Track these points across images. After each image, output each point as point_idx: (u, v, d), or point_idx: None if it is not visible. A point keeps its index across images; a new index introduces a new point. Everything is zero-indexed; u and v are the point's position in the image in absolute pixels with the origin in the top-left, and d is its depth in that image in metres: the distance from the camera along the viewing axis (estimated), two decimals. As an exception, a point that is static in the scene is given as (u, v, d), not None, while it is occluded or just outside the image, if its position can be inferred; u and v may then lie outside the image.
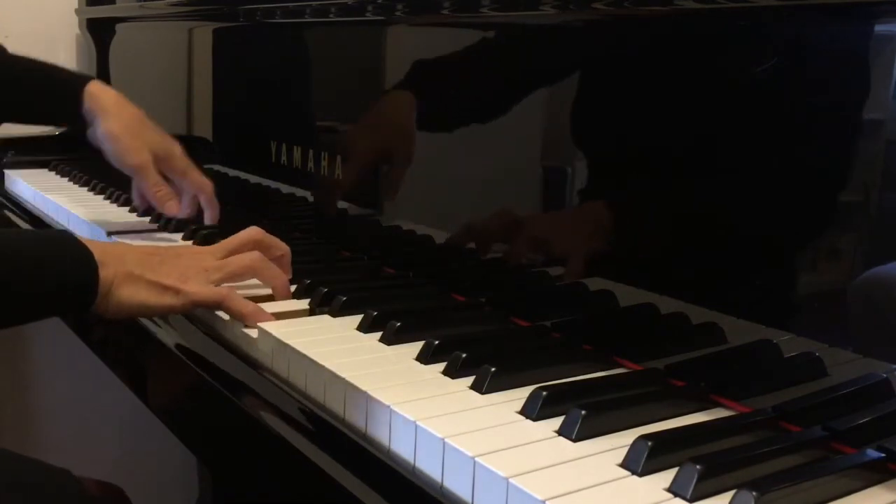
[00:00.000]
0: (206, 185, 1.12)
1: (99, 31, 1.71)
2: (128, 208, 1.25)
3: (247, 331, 0.77)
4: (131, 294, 0.77)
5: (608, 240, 0.76)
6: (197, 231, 1.08)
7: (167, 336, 0.84)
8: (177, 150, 1.12)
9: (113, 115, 1.10)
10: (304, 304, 0.84)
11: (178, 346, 0.81)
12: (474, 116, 0.88)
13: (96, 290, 0.76)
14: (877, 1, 0.58)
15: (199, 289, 0.79)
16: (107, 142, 1.09)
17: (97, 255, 0.76)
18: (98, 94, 1.11)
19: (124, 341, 0.97)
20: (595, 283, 0.76)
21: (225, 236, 0.88)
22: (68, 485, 0.79)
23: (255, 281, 0.85)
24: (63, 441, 1.75)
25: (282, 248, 0.87)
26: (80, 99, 1.10)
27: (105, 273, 0.76)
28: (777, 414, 0.60)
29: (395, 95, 0.98)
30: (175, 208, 1.10)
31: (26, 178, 1.48)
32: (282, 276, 0.85)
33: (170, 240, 1.08)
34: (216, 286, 0.80)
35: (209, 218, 1.11)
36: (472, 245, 0.88)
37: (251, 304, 0.79)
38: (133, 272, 0.78)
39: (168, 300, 0.79)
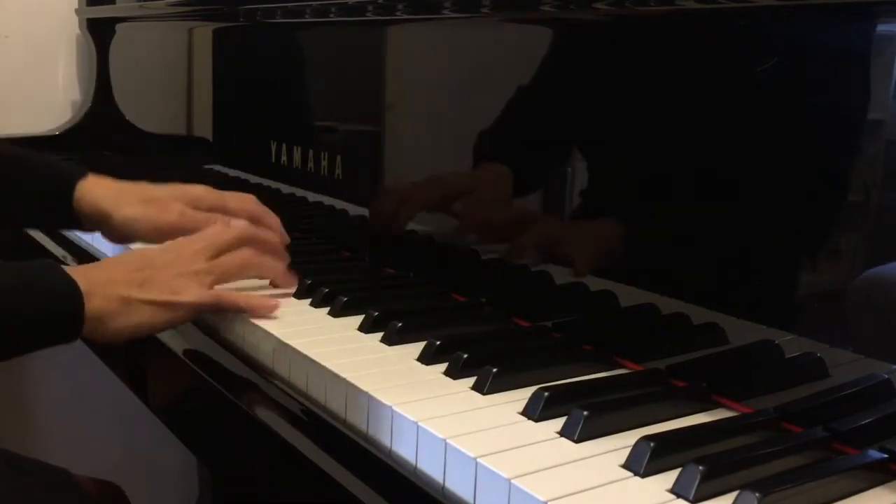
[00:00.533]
0: (248, 199, 0.98)
1: (99, 31, 1.71)
2: (128, 208, 1.25)
3: (246, 330, 0.77)
4: (126, 319, 0.75)
5: (609, 240, 0.76)
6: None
7: (167, 336, 0.84)
8: (198, 190, 0.98)
9: (122, 204, 0.95)
10: (304, 303, 0.84)
11: (177, 345, 0.81)
12: (476, 116, 0.88)
13: (82, 325, 0.73)
14: (877, 1, 0.58)
15: (194, 297, 0.77)
16: (131, 226, 0.94)
17: (83, 286, 0.73)
18: (91, 195, 0.95)
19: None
20: (596, 283, 0.76)
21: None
22: (67, 484, 0.79)
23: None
24: (62, 441, 1.75)
25: (272, 235, 0.86)
26: (70, 204, 0.96)
27: (91, 305, 0.73)
28: (779, 414, 0.60)
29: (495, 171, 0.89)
30: None
31: (26, 178, 1.48)
32: (278, 267, 0.84)
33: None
34: (209, 289, 0.79)
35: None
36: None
37: (251, 297, 0.79)
38: (122, 295, 0.75)
39: (166, 316, 0.77)
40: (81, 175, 0.97)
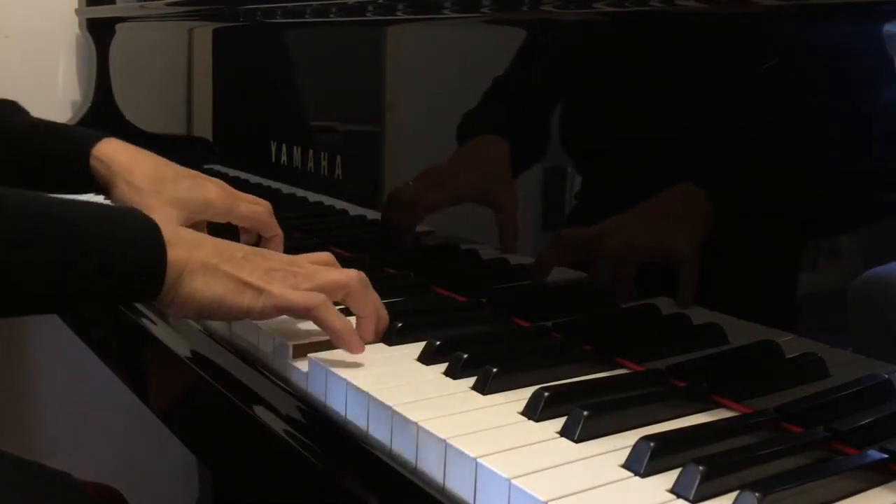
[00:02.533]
0: (260, 211, 0.93)
1: (99, 31, 1.71)
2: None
3: (246, 330, 0.77)
4: (205, 285, 0.67)
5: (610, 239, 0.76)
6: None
7: (168, 336, 0.84)
8: (211, 193, 0.92)
9: (123, 180, 0.92)
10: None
11: (178, 346, 0.81)
12: (478, 115, 0.88)
13: (164, 272, 0.66)
14: (877, 1, 0.58)
15: (284, 291, 0.68)
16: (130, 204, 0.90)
17: (167, 236, 0.67)
18: (108, 157, 0.93)
19: (125, 341, 0.97)
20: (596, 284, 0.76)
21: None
22: (68, 487, 0.79)
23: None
24: (63, 441, 1.75)
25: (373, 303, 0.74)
26: (87, 166, 0.93)
27: (176, 254, 0.66)
28: (779, 415, 0.60)
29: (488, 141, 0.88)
30: None
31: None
32: (379, 311, 0.73)
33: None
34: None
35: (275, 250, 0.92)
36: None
37: (346, 319, 0.69)
38: (209, 261, 0.67)
39: (248, 299, 0.68)
40: (97, 139, 0.95)
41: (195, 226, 0.91)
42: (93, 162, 0.94)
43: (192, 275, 0.67)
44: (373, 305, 0.72)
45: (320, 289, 0.69)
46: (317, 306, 0.68)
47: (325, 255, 0.76)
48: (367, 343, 0.71)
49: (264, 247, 0.92)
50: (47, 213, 0.64)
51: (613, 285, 0.74)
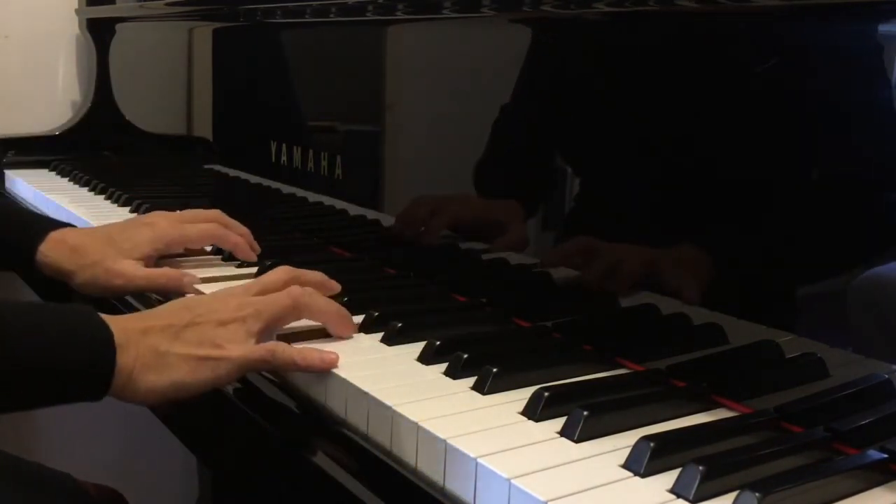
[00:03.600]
0: (209, 230, 0.96)
1: (99, 31, 1.71)
2: (129, 208, 1.25)
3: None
4: (160, 376, 0.66)
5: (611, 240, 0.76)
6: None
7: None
8: (157, 226, 0.95)
9: (78, 266, 0.92)
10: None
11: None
12: (476, 116, 0.88)
13: (111, 379, 0.65)
14: (877, 1, 0.58)
15: (240, 352, 0.67)
16: (87, 291, 0.92)
17: (117, 337, 0.65)
18: (52, 258, 0.93)
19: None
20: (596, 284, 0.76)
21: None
22: (69, 489, 0.79)
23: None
24: (62, 442, 1.75)
25: (319, 274, 0.77)
26: (33, 267, 0.94)
27: (124, 359, 0.65)
28: (779, 415, 0.60)
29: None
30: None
31: (26, 178, 1.48)
32: (332, 308, 0.74)
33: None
34: (258, 340, 0.69)
35: (241, 255, 0.97)
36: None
37: (307, 350, 0.68)
38: (158, 348, 0.66)
39: (207, 373, 0.66)
40: (42, 235, 0.95)
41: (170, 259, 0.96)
42: (40, 266, 0.94)
43: (144, 372, 0.66)
44: (326, 307, 0.74)
45: (274, 319, 0.70)
46: (271, 356, 0.67)
47: (214, 212, 0.81)
48: (343, 333, 0.74)
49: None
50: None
51: (612, 289, 0.75)
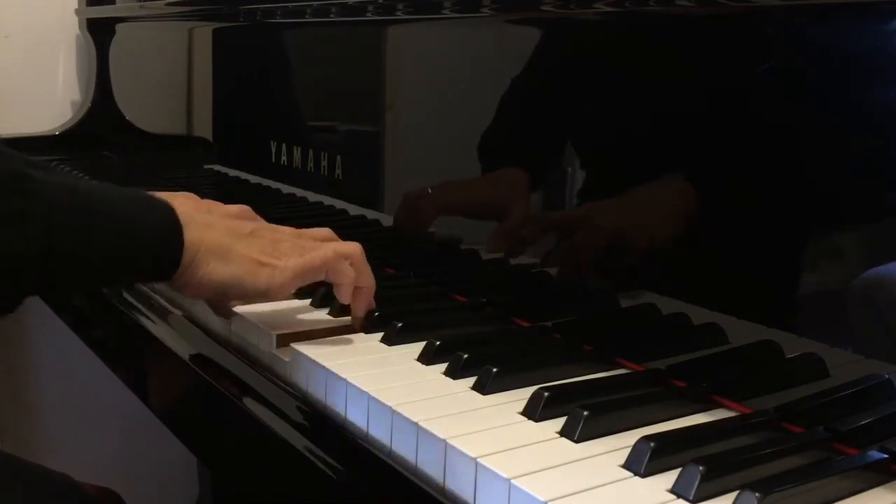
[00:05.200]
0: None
1: (99, 31, 1.71)
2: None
3: (246, 329, 0.77)
4: (220, 266, 0.68)
5: (610, 240, 0.76)
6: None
7: (167, 336, 0.84)
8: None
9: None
10: (305, 303, 0.84)
11: (178, 346, 0.81)
12: (476, 115, 0.88)
13: (181, 253, 0.67)
14: (877, 1, 0.58)
15: (296, 261, 0.69)
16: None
17: (182, 218, 0.68)
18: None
19: (125, 341, 0.97)
20: (596, 284, 0.76)
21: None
22: (68, 489, 0.79)
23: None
24: (62, 441, 1.75)
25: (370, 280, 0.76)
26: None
27: (190, 236, 0.67)
28: (779, 415, 0.60)
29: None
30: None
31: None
32: (373, 285, 0.75)
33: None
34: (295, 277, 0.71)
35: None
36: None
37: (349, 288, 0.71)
38: (222, 242, 0.68)
39: (264, 278, 0.69)
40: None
41: None
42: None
43: (207, 256, 0.68)
44: (372, 277, 0.75)
45: (325, 258, 0.71)
46: (331, 260, 0.70)
47: (326, 231, 0.77)
48: (358, 315, 0.75)
49: None
50: (75, 198, 0.65)
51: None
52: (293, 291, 0.72)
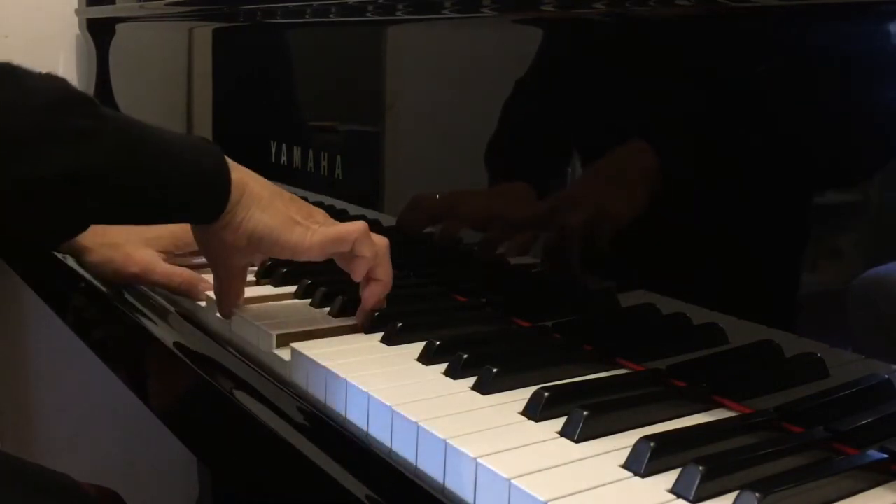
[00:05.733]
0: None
1: (99, 31, 1.71)
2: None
3: (246, 329, 0.77)
4: (260, 214, 0.72)
5: (610, 240, 0.76)
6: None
7: (167, 335, 0.84)
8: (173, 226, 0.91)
9: (97, 244, 0.92)
10: (305, 303, 0.84)
11: (176, 344, 0.81)
12: (476, 116, 0.88)
13: (229, 190, 0.72)
14: (877, 1, 0.58)
15: (329, 228, 0.74)
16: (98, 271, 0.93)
17: (230, 163, 0.74)
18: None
19: (125, 341, 0.97)
20: (596, 284, 0.76)
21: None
22: (68, 489, 0.79)
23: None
24: (62, 441, 1.75)
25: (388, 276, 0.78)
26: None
27: (237, 176, 0.72)
28: (779, 415, 0.60)
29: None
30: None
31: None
32: (389, 283, 0.78)
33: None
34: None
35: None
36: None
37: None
38: (263, 194, 0.73)
39: (298, 236, 0.73)
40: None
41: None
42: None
43: (249, 201, 0.72)
44: (390, 274, 0.77)
45: (347, 233, 0.75)
46: (360, 232, 0.74)
47: (360, 223, 0.78)
48: (366, 307, 0.77)
49: None
50: (138, 129, 0.72)
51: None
52: (321, 257, 0.75)
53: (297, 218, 0.74)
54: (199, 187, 0.72)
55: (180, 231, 0.92)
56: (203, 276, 0.90)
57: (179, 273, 0.90)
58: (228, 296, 0.79)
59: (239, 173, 0.73)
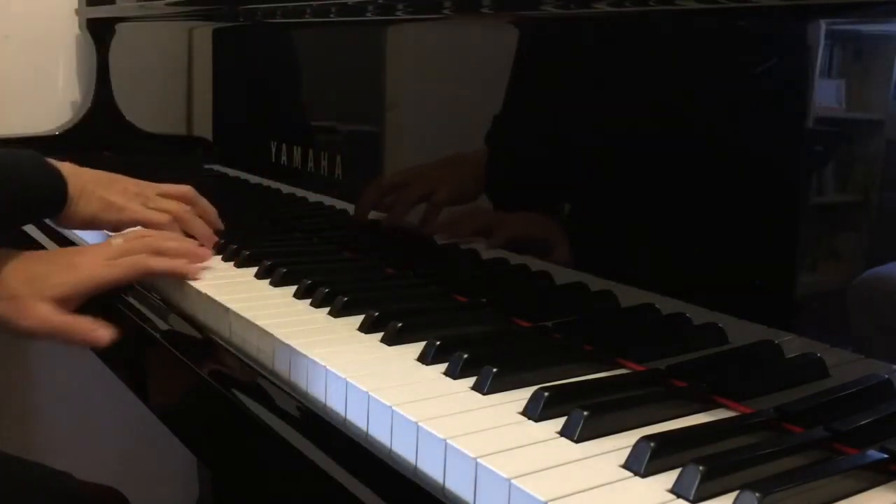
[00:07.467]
0: (138, 259, 0.92)
1: (99, 31, 1.71)
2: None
3: (247, 330, 0.77)
4: (86, 206, 0.96)
5: (610, 240, 0.76)
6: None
7: (166, 336, 0.84)
8: (87, 276, 0.91)
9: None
10: (305, 303, 0.84)
11: (176, 344, 0.81)
12: (476, 115, 0.88)
13: (66, 198, 0.95)
14: (877, 1, 0.58)
15: (138, 209, 0.98)
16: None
17: (64, 172, 0.95)
18: (73, 173, 1.00)
19: (125, 342, 0.97)
20: (596, 284, 0.76)
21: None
22: (69, 489, 0.79)
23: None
24: (63, 441, 1.75)
25: (209, 208, 1.04)
26: (64, 186, 0.98)
27: (73, 182, 0.95)
28: (779, 415, 0.60)
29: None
30: None
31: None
32: (205, 229, 1.01)
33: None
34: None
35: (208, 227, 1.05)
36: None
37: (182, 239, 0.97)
38: (87, 187, 0.97)
39: (113, 216, 0.98)
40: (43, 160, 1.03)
41: None
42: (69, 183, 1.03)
43: (78, 200, 0.96)
44: (200, 227, 1.02)
45: (163, 207, 1.00)
46: (162, 223, 0.98)
47: (185, 189, 1.04)
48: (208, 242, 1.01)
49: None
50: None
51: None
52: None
53: (113, 200, 0.98)
54: (45, 203, 0.95)
55: (77, 280, 0.89)
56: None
57: (74, 323, 0.87)
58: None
59: (73, 181, 0.96)
